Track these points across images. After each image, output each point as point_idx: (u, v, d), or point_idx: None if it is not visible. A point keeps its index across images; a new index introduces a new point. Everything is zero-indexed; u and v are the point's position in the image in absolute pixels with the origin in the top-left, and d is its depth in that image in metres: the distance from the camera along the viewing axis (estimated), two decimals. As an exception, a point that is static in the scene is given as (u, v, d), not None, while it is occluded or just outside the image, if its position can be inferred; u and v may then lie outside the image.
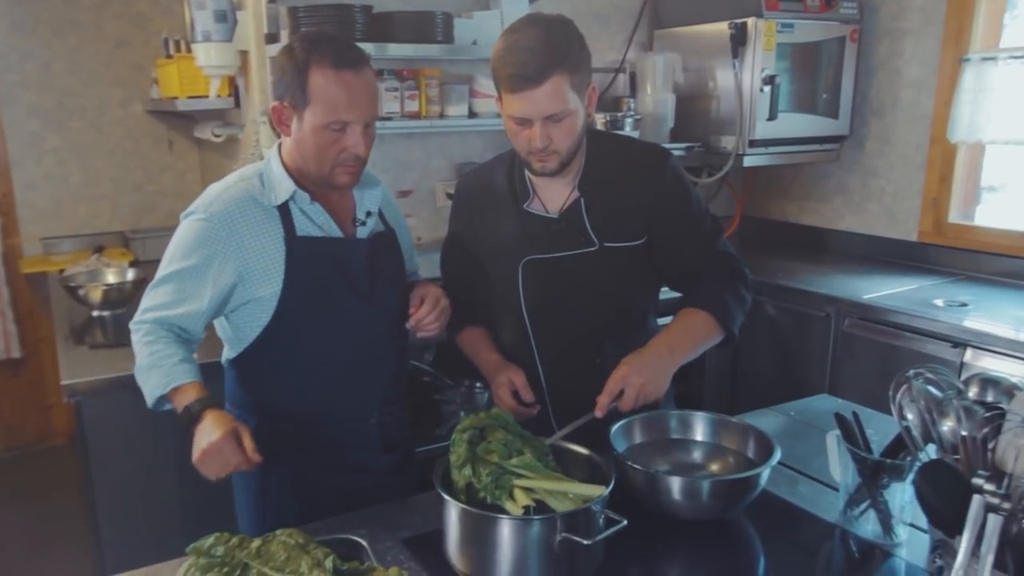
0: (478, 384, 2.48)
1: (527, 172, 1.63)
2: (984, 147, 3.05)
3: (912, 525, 1.34)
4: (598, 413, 1.47)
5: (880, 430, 1.39)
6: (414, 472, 1.73)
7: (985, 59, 2.84)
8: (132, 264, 3.19)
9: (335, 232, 1.55)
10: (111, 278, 2.85)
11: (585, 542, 1.15)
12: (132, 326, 1.51)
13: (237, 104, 3.01)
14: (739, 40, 2.99)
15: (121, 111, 3.98)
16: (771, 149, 3.17)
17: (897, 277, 3.03)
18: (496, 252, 1.70)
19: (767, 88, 3.01)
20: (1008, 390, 1.26)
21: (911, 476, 1.27)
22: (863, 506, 1.33)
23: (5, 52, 3.72)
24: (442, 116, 2.85)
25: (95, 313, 2.69)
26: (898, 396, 1.27)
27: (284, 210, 1.52)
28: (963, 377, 1.35)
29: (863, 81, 3.30)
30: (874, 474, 1.31)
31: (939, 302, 2.69)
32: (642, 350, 1.53)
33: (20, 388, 4.04)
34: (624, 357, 1.52)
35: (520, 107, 1.47)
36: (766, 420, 1.85)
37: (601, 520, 1.20)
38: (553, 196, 1.64)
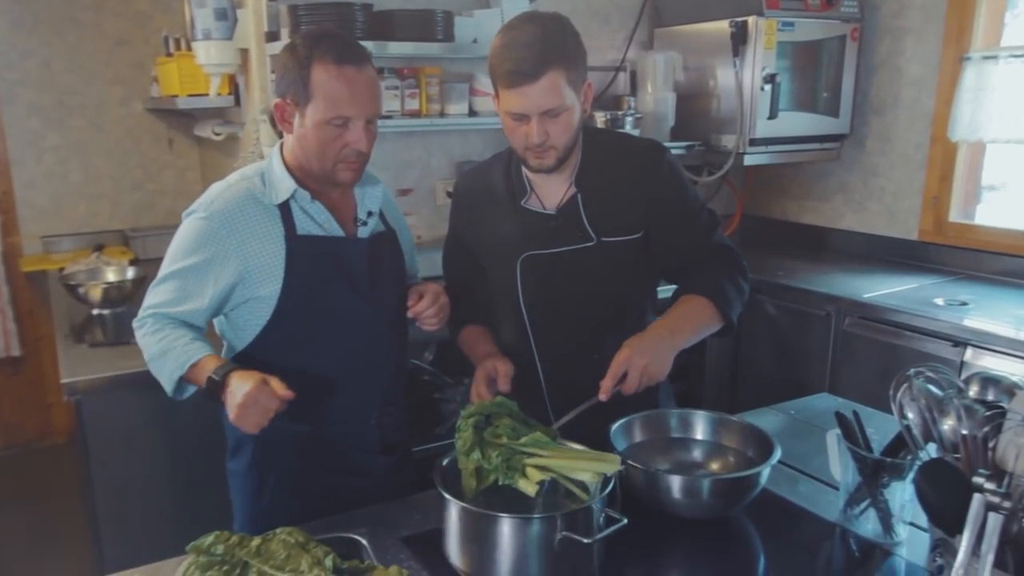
0: (478, 383, 2.47)
1: (524, 169, 1.63)
2: (985, 146, 3.05)
3: (912, 524, 1.34)
4: (602, 396, 1.46)
5: (880, 429, 1.39)
6: (411, 473, 1.73)
7: (986, 58, 2.84)
8: (132, 262, 3.20)
9: (336, 231, 1.55)
10: (111, 276, 2.86)
11: (585, 541, 1.15)
12: (135, 324, 1.52)
13: (237, 102, 3.01)
14: (740, 39, 2.99)
15: (121, 109, 3.97)
16: (771, 148, 3.17)
17: (897, 276, 3.03)
18: (495, 249, 1.70)
19: (768, 87, 3.01)
20: (1008, 389, 1.26)
21: (911, 475, 1.27)
22: (863, 505, 1.33)
23: (5, 50, 3.71)
24: (442, 114, 2.85)
25: (95, 312, 2.69)
26: (898, 395, 1.27)
27: (285, 209, 1.52)
28: (963, 376, 1.35)
29: (864, 80, 3.30)
30: (874, 473, 1.31)
31: (939, 301, 2.69)
32: (643, 333, 1.52)
33: (20, 386, 4.04)
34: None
35: (517, 102, 1.48)
36: (766, 419, 1.85)
37: (601, 519, 1.20)
38: (550, 192, 1.64)
